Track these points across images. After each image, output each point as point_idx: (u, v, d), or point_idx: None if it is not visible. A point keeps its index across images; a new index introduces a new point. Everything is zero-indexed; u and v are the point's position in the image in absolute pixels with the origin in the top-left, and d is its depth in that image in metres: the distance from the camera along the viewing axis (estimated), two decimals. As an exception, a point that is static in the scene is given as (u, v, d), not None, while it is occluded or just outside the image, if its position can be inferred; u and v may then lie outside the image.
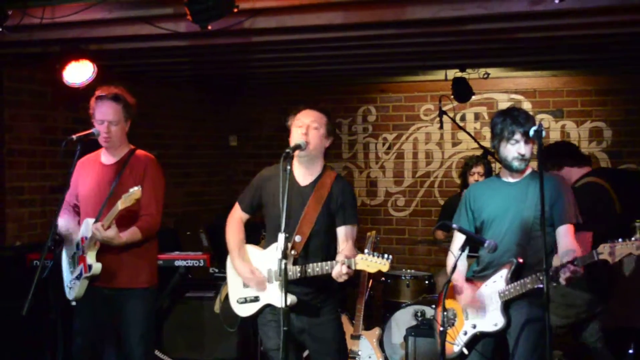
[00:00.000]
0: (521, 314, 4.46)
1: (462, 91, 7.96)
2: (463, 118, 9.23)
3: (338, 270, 4.31)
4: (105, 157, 5.25)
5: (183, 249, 7.24)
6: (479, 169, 7.28)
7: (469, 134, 7.67)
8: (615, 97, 8.82)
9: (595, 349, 5.88)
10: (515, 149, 4.48)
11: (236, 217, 4.92)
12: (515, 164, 4.51)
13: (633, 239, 4.04)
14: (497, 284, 4.50)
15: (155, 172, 5.23)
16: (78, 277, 5.08)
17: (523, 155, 4.48)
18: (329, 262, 4.43)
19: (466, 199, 4.78)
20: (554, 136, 8.90)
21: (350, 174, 9.84)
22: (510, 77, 9.06)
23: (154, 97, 8.85)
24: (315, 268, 4.47)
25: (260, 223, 5.05)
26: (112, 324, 5.28)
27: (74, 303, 5.13)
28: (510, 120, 4.47)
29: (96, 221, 4.98)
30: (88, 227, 5.04)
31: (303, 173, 4.72)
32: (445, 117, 7.46)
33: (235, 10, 4.65)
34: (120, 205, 4.82)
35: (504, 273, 4.47)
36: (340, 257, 4.41)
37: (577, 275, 4.13)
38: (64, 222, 5.21)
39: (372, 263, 4.26)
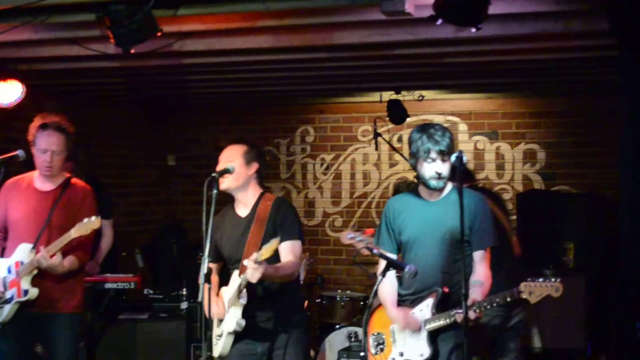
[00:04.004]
0: (448, 345, 4.38)
1: (397, 113, 8.03)
2: (400, 139, 9.26)
3: (246, 263, 4.30)
4: (41, 184, 5.19)
5: (118, 269, 7.16)
6: None
7: (402, 155, 7.73)
8: (548, 120, 8.96)
9: None
10: (432, 168, 4.34)
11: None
12: (433, 182, 4.38)
13: (553, 280, 4.00)
14: (423, 313, 4.39)
15: (92, 203, 5.25)
16: (8, 301, 5.03)
17: (440, 174, 4.35)
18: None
19: (385, 215, 4.61)
20: (489, 158, 9.05)
21: (288, 194, 9.82)
22: (447, 99, 9.15)
23: (89, 115, 8.72)
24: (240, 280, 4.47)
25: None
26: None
27: None
28: (427, 138, 4.32)
29: (34, 247, 4.99)
30: (25, 252, 5.02)
31: (240, 206, 4.85)
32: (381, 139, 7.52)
33: (159, 34, 4.64)
34: (74, 233, 4.86)
35: (430, 302, 4.37)
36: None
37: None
38: None
39: (269, 246, 4.25)
